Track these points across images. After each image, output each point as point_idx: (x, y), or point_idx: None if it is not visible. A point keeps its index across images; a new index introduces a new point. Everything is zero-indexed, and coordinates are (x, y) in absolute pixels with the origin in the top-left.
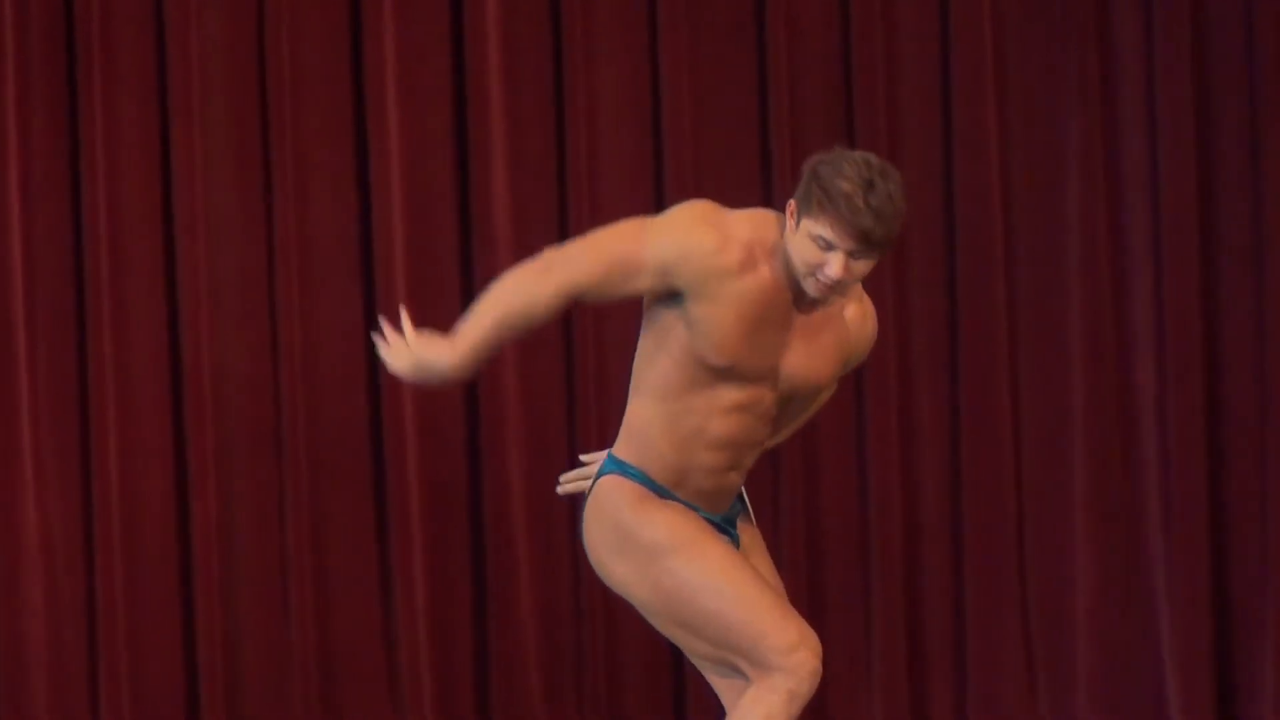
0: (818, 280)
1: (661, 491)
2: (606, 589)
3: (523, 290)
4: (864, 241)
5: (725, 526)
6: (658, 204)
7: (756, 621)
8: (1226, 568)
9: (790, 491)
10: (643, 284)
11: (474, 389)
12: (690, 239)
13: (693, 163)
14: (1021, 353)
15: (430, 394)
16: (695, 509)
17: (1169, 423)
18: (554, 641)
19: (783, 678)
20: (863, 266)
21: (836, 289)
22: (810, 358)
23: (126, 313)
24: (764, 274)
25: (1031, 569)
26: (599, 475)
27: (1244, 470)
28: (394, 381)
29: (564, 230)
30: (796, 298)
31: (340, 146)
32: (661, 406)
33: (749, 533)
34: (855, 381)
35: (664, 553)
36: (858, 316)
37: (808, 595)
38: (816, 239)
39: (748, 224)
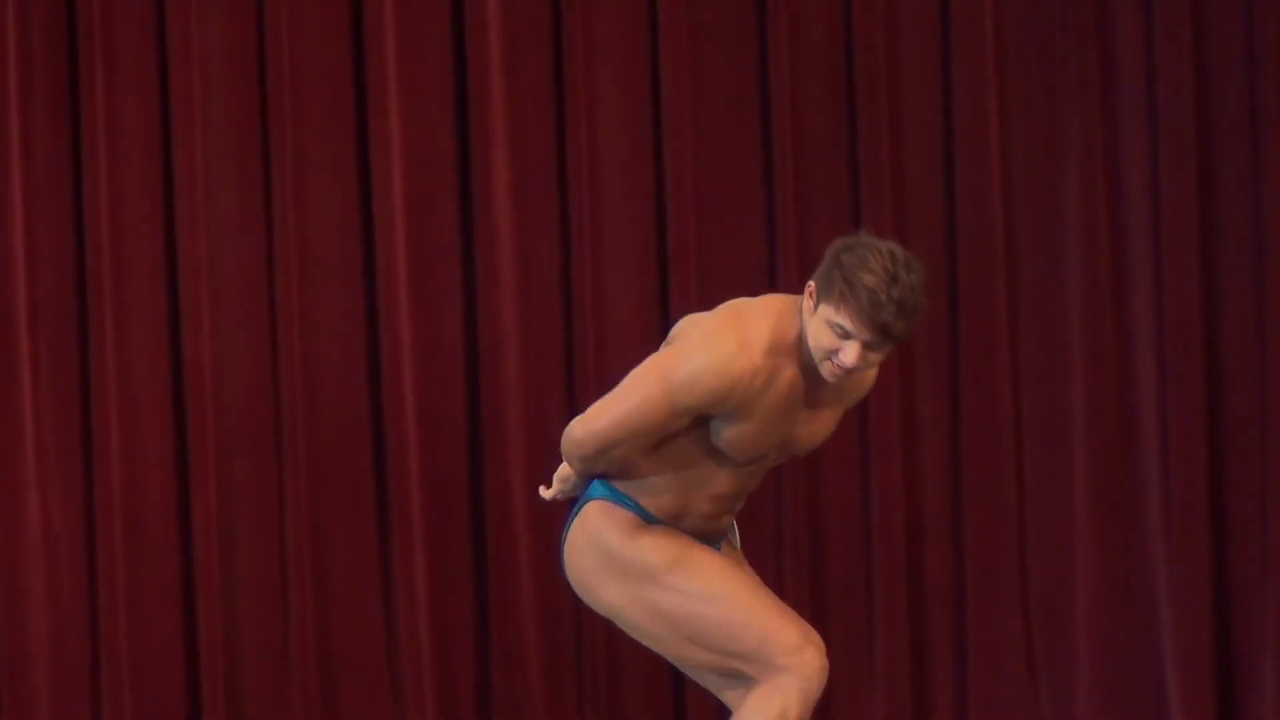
0: (832, 364)
1: (653, 522)
2: None
3: (578, 468)
4: (883, 334)
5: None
6: (658, 200)
7: (759, 624)
8: (1227, 565)
9: (792, 490)
10: (680, 425)
11: (475, 385)
12: (719, 382)
13: (693, 157)
14: (1022, 350)
15: (431, 390)
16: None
17: (1169, 420)
18: (555, 638)
19: (791, 678)
20: (878, 356)
21: (850, 375)
22: (816, 424)
23: (128, 310)
24: (788, 374)
25: (1032, 566)
26: (586, 499)
27: (1244, 467)
28: (395, 379)
29: (565, 225)
30: (810, 376)
31: (341, 144)
32: (669, 463)
33: (730, 550)
34: None
35: (659, 572)
36: (851, 385)
37: (810, 593)
38: (834, 326)
39: (767, 324)
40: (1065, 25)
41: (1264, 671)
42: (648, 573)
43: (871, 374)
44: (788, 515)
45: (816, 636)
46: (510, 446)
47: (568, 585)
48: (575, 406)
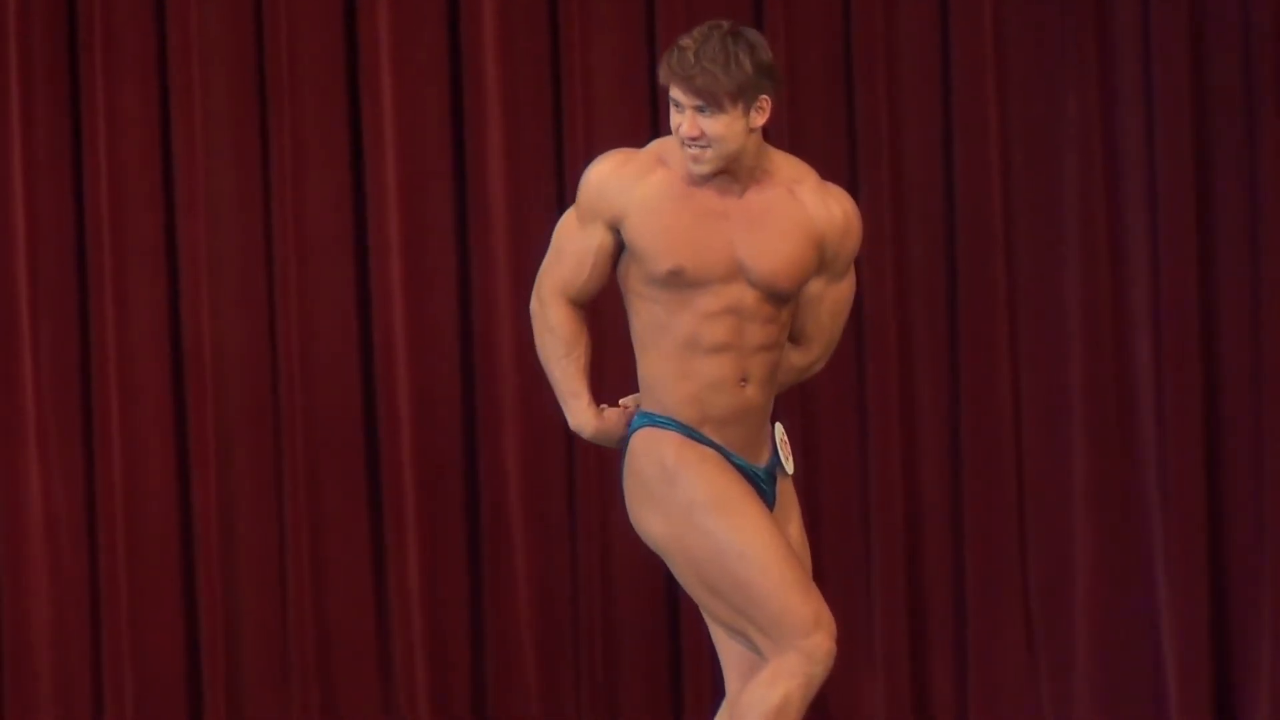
0: (685, 148)
1: (691, 433)
2: (603, 570)
3: (540, 331)
4: (695, 91)
5: (764, 482)
6: None
7: (780, 596)
8: (1224, 546)
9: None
10: (594, 240)
11: (470, 369)
12: (593, 175)
13: None
14: (1020, 331)
15: (425, 374)
16: (731, 457)
17: (1167, 401)
18: (549, 623)
19: (798, 660)
20: (717, 124)
21: (705, 153)
22: (766, 244)
23: (127, 294)
24: (670, 171)
25: (1031, 551)
26: (632, 430)
27: (1241, 449)
28: (389, 362)
29: (560, 206)
30: (724, 188)
31: (337, 127)
32: (656, 342)
33: (787, 493)
34: (855, 361)
35: (698, 509)
36: (816, 198)
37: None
38: (673, 105)
39: (654, 143)
40: (1063, 5)
41: (1260, 655)
42: (685, 508)
43: (840, 211)
44: None
45: (830, 620)
46: (505, 430)
47: (564, 564)
48: None
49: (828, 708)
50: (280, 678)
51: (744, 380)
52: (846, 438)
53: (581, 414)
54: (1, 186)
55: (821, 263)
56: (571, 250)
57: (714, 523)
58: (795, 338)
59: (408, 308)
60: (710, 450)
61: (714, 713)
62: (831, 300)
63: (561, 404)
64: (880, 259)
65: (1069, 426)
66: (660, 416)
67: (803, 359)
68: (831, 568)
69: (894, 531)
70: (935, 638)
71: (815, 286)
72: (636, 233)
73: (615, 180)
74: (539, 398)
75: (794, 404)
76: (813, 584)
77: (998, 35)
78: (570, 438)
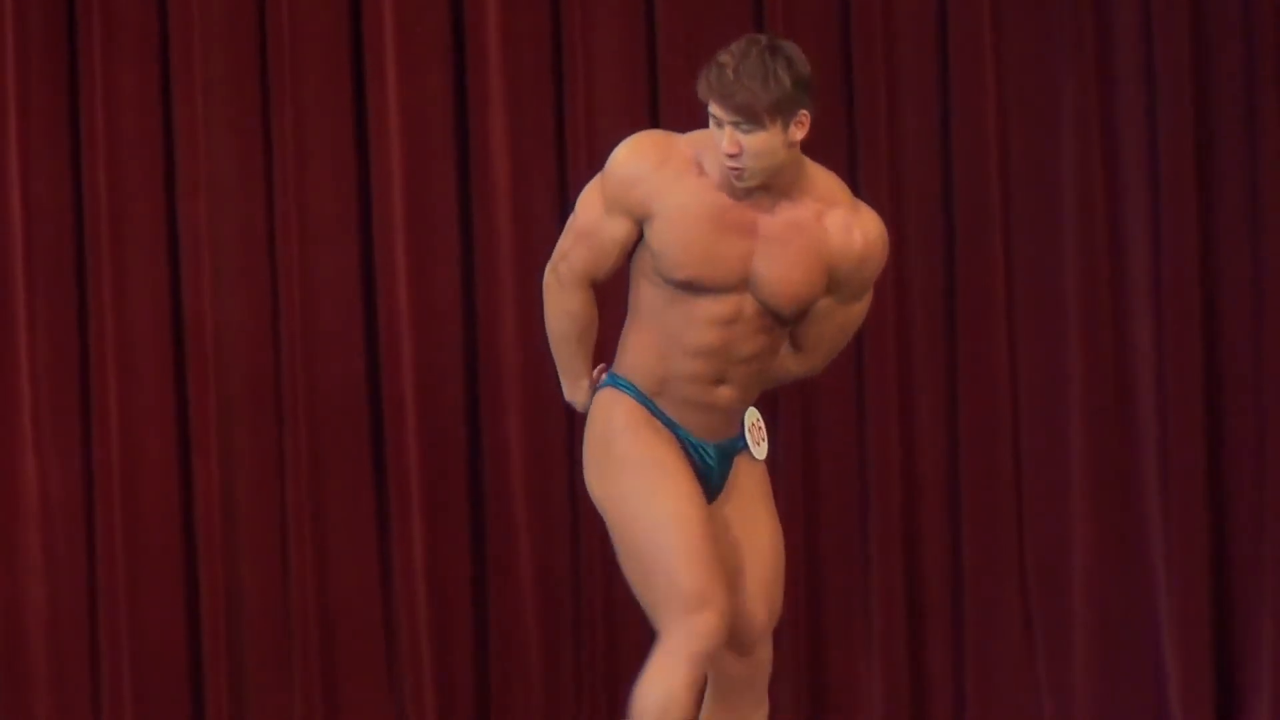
0: (724, 164)
1: (646, 402)
2: (606, 553)
3: (556, 312)
4: (735, 108)
5: (711, 458)
6: None
7: (674, 570)
8: (1225, 535)
9: (788, 453)
10: (619, 231)
11: (474, 351)
12: (627, 162)
13: (691, 121)
14: (1019, 318)
15: (429, 356)
16: (683, 433)
17: (1167, 384)
18: (553, 606)
19: (681, 638)
20: (756, 141)
21: (744, 169)
22: (780, 264)
23: (127, 275)
24: (706, 180)
25: (1030, 538)
26: (597, 390)
27: (1242, 432)
28: (392, 344)
29: (563, 189)
30: (756, 201)
31: (340, 108)
32: (645, 321)
33: (752, 473)
34: (854, 349)
35: (626, 472)
36: (840, 225)
37: (804, 556)
38: (712, 120)
39: (692, 138)
40: None
41: (1261, 642)
42: (617, 469)
43: (862, 238)
44: (782, 486)
45: (720, 600)
46: (508, 412)
47: (567, 546)
48: None
49: (825, 697)
50: (283, 664)
51: (720, 382)
52: (844, 425)
53: (580, 394)
54: None
55: (831, 285)
56: (596, 238)
57: (634, 487)
58: (796, 345)
59: (411, 290)
60: (658, 421)
61: None
62: (842, 318)
63: (561, 378)
64: None
65: (1068, 415)
66: (623, 380)
67: (799, 366)
68: (829, 556)
69: (892, 520)
70: (933, 627)
71: (824, 304)
72: (660, 238)
73: (649, 179)
74: (543, 380)
75: (792, 392)
76: (714, 568)
77: (995, 18)
78: (573, 420)
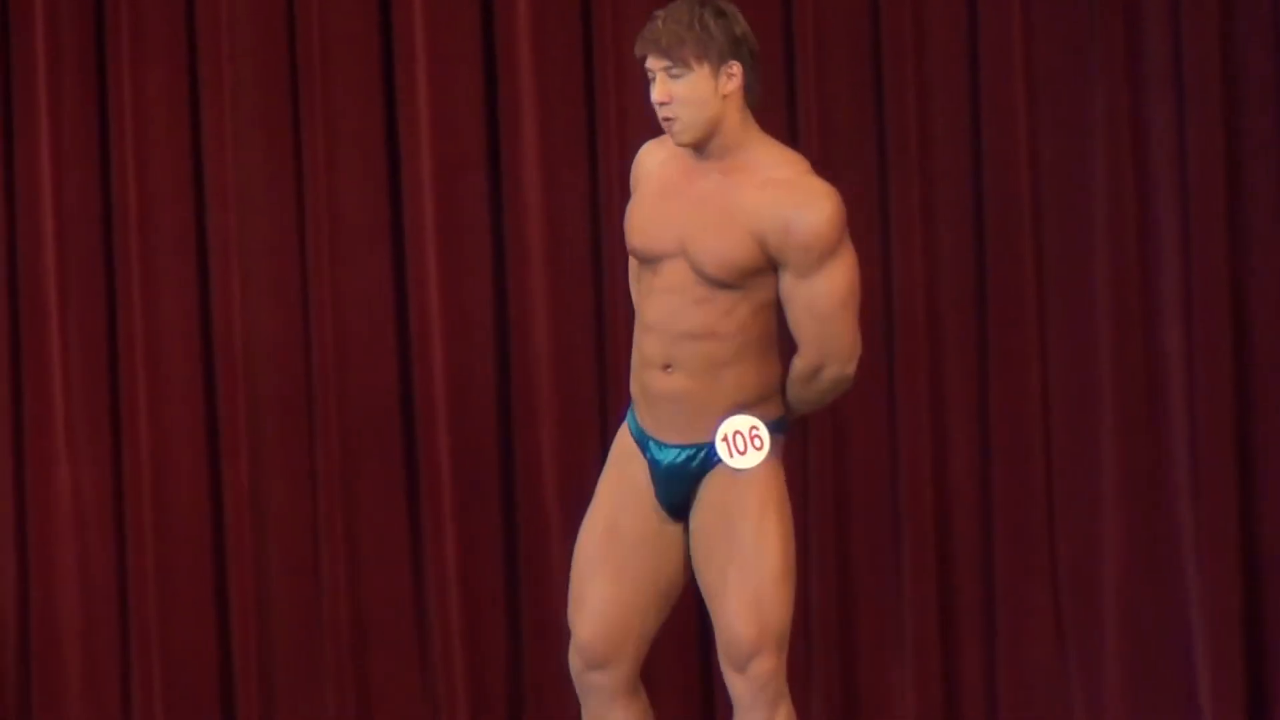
0: (662, 119)
1: (632, 414)
2: None
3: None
4: (660, 50)
5: (662, 474)
6: None
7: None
8: (1255, 536)
9: (819, 461)
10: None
11: (505, 357)
12: (635, 166)
13: None
14: (1049, 322)
15: (461, 362)
16: (653, 447)
17: (1197, 392)
18: None
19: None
20: (684, 85)
21: (676, 119)
22: (704, 226)
23: (157, 283)
24: (666, 149)
25: (1061, 540)
26: None
27: (1273, 438)
28: (424, 351)
29: (594, 196)
30: (695, 167)
31: (370, 115)
32: (637, 315)
33: (732, 485)
34: (884, 353)
35: (596, 499)
36: (771, 192)
37: (836, 565)
38: (649, 78)
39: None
40: None
41: None
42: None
43: (791, 203)
44: (814, 492)
45: (578, 629)
46: (540, 418)
47: None
48: (605, 377)
49: (858, 705)
50: (314, 672)
51: (668, 366)
52: (875, 429)
53: None
54: (30, 178)
55: (772, 259)
56: (631, 245)
57: (592, 509)
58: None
59: (443, 297)
60: (635, 454)
61: None
62: (805, 299)
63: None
64: (909, 250)
65: (1099, 417)
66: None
67: (799, 362)
68: (861, 564)
69: (923, 523)
70: (965, 629)
71: (786, 285)
72: (628, 214)
73: (639, 163)
74: (575, 386)
75: None
76: (597, 591)
77: (1025, 24)
78: (605, 426)
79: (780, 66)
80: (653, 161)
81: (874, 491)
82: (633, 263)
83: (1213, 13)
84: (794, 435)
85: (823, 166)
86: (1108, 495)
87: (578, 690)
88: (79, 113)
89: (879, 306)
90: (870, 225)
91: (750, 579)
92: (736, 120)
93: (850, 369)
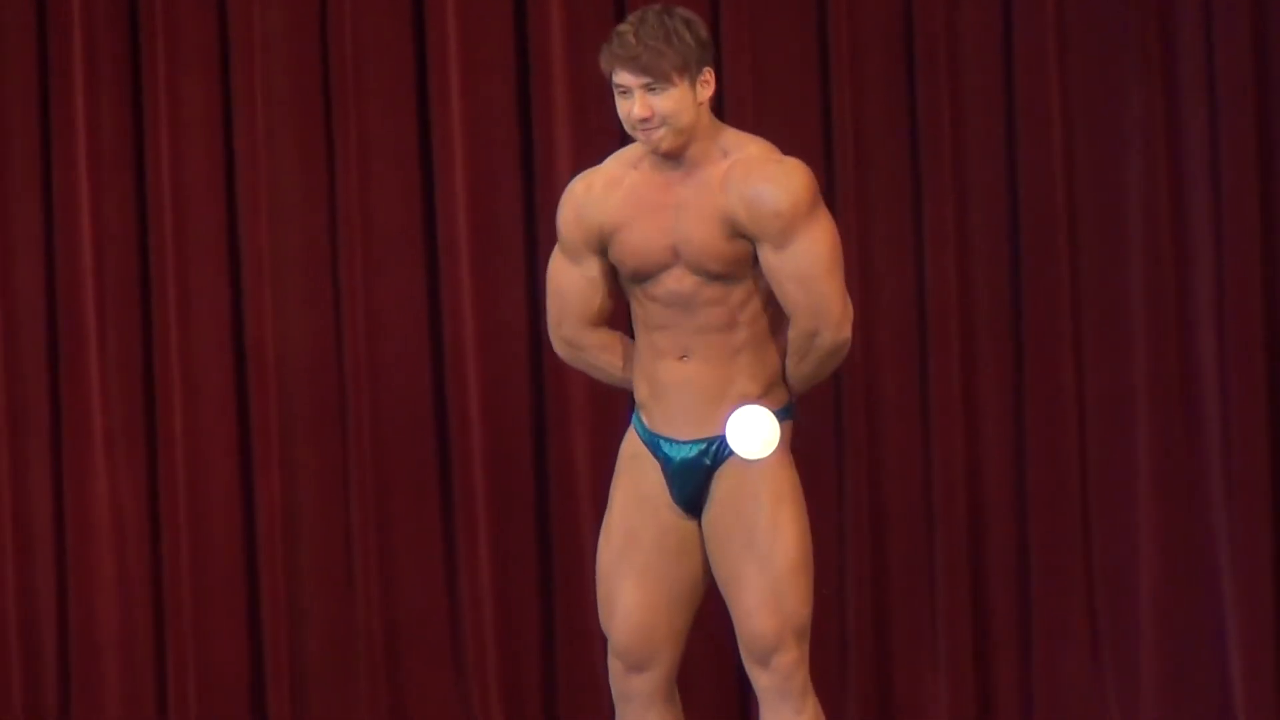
0: (641, 131)
1: (638, 418)
2: None
3: (589, 367)
4: (642, 68)
5: (676, 468)
6: None
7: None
8: None
9: (854, 466)
10: (594, 270)
11: (538, 367)
12: (566, 208)
13: (754, 132)
14: (1084, 328)
15: (494, 372)
16: (664, 448)
17: (1231, 398)
18: None
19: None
20: (667, 101)
21: (658, 132)
22: (690, 225)
23: (191, 291)
24: (633, 177)
25: (1096, 546)
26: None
27: None
28: (458, 361)
29: None
30: (670, 177)
31: (403, 122)
32: (636, 328)
33: (746, 478)
34: (918, 358)
35: (610, 505)
36: (732, 170)
37: (871, 572)
38: (617, 93)
39: (614, 157)
40: (1125, 1)
41: None
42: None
43: (756, 177)
44: (849, 498)
45: (614, 635)
46: (574, 426)
47: None
48: None
49: (892, 712)
50: (347, 676)
51: (684, 356)
52: (909, 434)
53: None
54: (67, 187)
55: (752, 233)
56: (573, 289)
57: (607, 517)
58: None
59: (476, 306)
60: (647, 457)
61: None
62: (791, 269)
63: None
64: (943, 256)
65: (1133, 424)
66: (636, 408)
67: (792, 333)
68: (895, 565)
69: (957, 528)
70: (999, 635)
71: (767, 259)
72: (615, 245)
73: (588, 202)
74: (609, 396)
75: (858, 399)
76: (625, 594)
77: (1060, 30)
78: None
79: (815, 74)
80: (611, 195)
81: (908, 498)
82: (622, 283)
83: (1245, 19)
84: (828, 442)
85: (857, 174)
86: (1142, 501)
87: (615, 697)
88: (114, 125)
89: (913, 313)
90: (905, 232)
91: (767, 572)
92: (706, 119)
93: (845, 333)
